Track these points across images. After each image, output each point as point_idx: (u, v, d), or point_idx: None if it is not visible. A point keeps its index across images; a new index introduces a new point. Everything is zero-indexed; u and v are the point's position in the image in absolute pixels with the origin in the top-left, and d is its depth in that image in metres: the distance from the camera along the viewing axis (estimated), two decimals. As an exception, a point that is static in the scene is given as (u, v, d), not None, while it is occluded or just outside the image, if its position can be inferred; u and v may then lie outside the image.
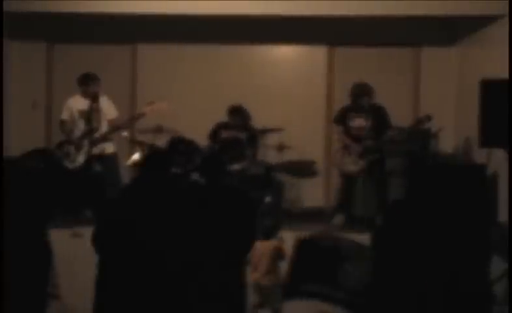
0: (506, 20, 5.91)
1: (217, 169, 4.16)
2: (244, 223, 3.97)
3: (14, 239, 4.21)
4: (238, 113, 6.69)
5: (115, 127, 6.29)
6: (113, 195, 4.62)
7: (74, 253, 4.73)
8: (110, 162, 6.32)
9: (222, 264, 3.89)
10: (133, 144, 6.79)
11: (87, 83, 6.28)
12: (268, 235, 4.64)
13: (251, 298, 4.38)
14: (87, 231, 4.09)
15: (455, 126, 7.07)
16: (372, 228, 5.61)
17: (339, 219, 6.17)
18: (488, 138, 5.35)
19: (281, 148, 6.77)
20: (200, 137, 6.60)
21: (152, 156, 4.48)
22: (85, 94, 6.28)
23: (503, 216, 5.59)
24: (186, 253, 3.82)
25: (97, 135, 6.20)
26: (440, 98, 7.32)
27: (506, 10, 5.89)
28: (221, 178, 4.17)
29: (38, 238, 4.41)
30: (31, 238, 4.38)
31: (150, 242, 3.80)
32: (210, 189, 4.10)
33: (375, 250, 4.66)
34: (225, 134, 6.67)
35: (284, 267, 5.51)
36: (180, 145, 6.31)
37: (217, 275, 3.86)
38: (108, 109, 6.35)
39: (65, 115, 6.41)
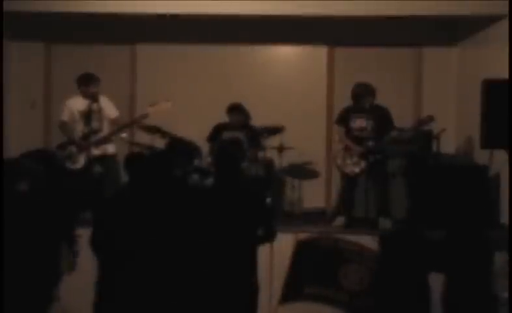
0: (506, 20, 5.90)
1: (232, 169, 4.13)
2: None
3: (13, 239, 4.18)
4: (237, 111, 6.65)
5: (119, 127, 6.23)
6: (110, 196, 4.58)
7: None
8: (111, 163, 6.27)
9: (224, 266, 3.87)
10: (133, 145, 6.75)
11: (87, 84, 6.22)
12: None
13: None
14: (86, 232, 4.07)
15: (456, 127, 7.05)
16: (373, 230, 5.60)
17: (340, 220, 6.13)
18: (489, 139, 5.33)
19: (281, 149, 6.73)
20: (200, 138, 6.58)
21: (151, 156, 4.46)
22: (85, 95, 6.23)
23: (505, 217, 5.56)
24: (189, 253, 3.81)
25: (99, 136, 6.15)
26: (440, 98, 7.31)
27: (506, 10, 5.88)
28: (236, 179, 4.14)
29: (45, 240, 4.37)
30: (32, 239, 4.35)
31: (148, 244, 3.77)
32: (223, 190, 4.07)
33: (382, 253, 4.64)
34: (225, 135, 6.63)
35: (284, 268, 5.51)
36: (180, 146, 6.27)
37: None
38: (108, 109, 6.30)
39: (65, 116, 6.35)
